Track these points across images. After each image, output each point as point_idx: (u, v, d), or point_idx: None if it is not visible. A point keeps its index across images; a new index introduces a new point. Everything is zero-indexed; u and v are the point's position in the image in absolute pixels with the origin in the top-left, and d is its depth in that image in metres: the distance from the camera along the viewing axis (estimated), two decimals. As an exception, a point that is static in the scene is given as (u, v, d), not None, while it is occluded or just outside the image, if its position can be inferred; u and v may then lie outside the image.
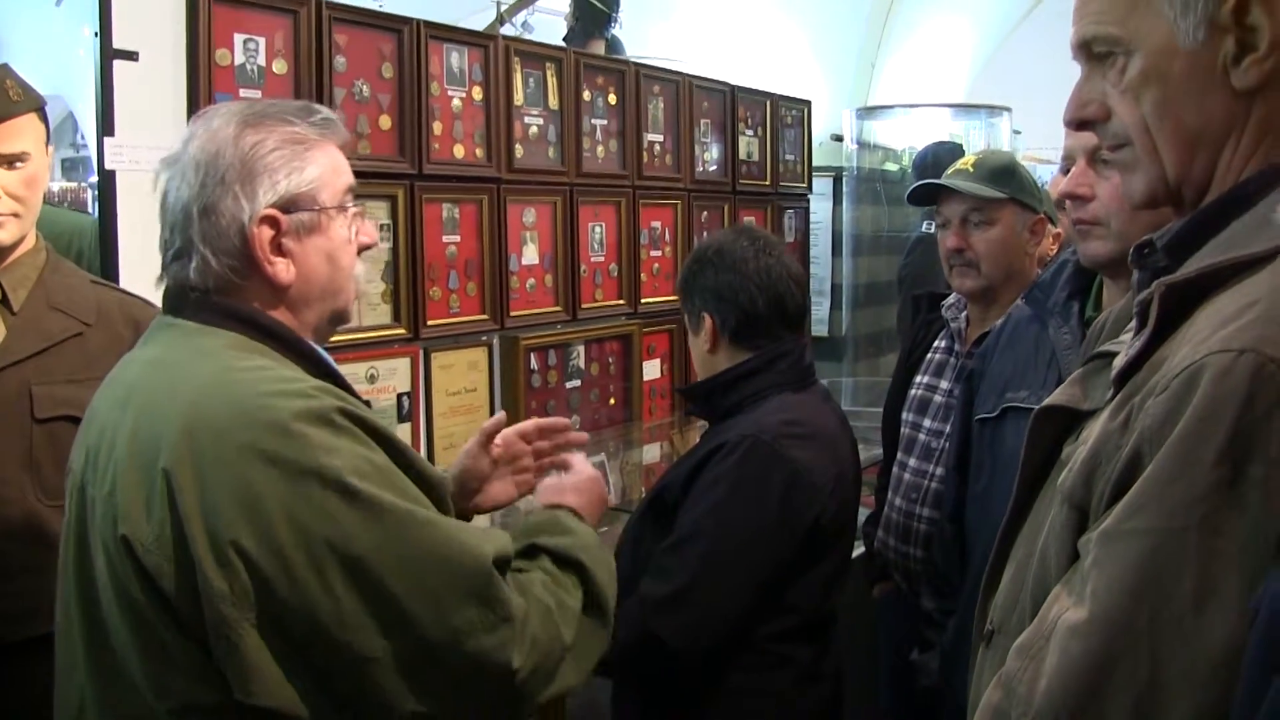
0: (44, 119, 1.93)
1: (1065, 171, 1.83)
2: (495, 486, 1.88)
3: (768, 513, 1.97)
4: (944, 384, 2.55)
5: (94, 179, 2.47)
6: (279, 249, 1.40)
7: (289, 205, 1.40)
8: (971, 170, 2.50)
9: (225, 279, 1.39)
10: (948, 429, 2.42)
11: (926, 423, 2.56)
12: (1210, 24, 0.97)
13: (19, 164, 1.86)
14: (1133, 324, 1.05)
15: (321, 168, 1.43)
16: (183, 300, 1.42)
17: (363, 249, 1.52)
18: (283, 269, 1.40)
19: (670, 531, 2.04)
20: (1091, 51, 1.06)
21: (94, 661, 1.34)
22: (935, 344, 2.65)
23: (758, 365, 2.12)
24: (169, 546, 1.25)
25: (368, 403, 1.48)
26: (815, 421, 2.10)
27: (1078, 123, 1.12)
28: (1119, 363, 1.02)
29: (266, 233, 1.38)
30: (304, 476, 1.24)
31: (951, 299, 2.62)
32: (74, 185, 2.73)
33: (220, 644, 1.23)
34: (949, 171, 2.59)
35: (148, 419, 1.30)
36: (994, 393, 1.98)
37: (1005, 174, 2.48)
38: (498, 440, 1.87)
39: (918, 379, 2.64)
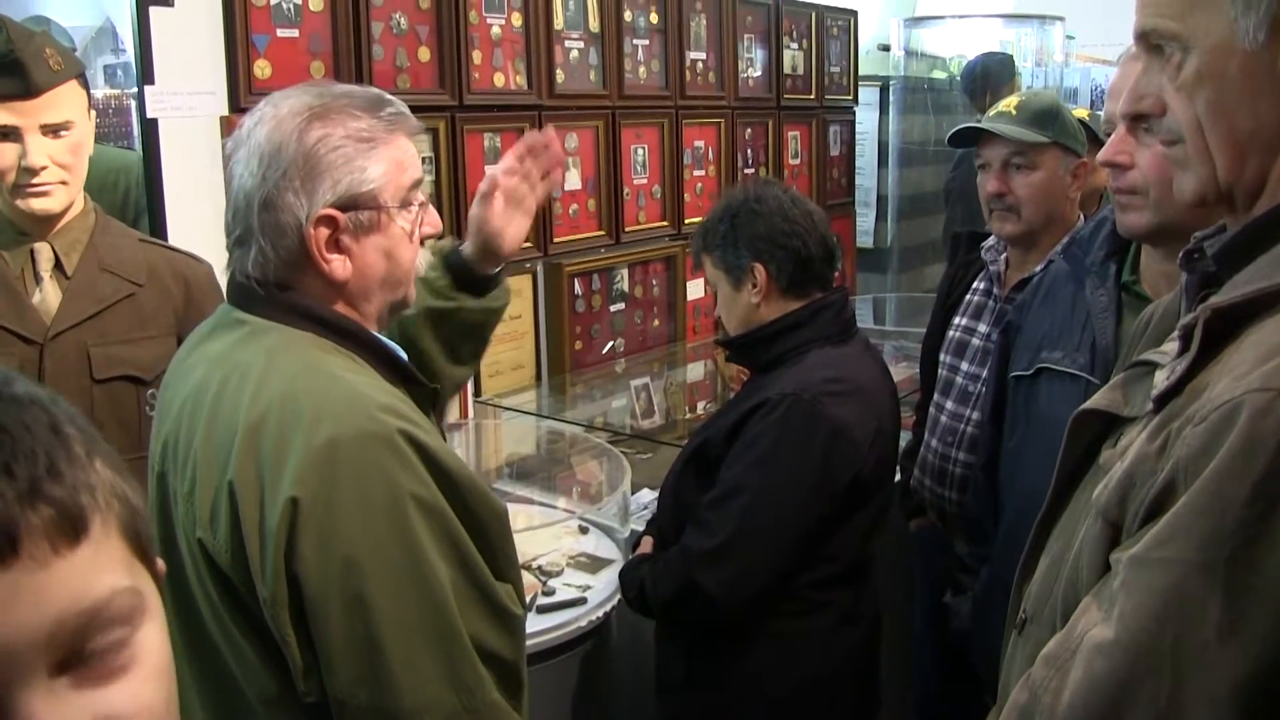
0: (85, 85, 1.95)
1: (1108, 134, 1.80)
2: (512, 228, 1.84)
3: (808, 471, 2.01)
4: (982, 327, 2.54)
5: (134, 90, 2.51)
6: (336, 246, 1.40)
7: (348, 204, 1.39)
8: (1014, 113, 2.45)
9: (282, 272, 1.40)
10: (984, 373, 2.42)
11: (964, 366, 2.55)
12: (1272, 25, 0.93)
13: (64, 132, 1.88)
14: (1176, 339, 1.05)
15: (386, 165, 1.41)
16: (251, 295, 1.42)
17: (426, 239, 1.51)
18: (339, 266, 1.41)
19: (712, 485, 2.08)
20: (1150, 43, 1.03)
21: (189, 647, 1.37)
22: (974, 285, 2.63)
23: (800, 318, 2.13)
24: (234, 554, 1.29)
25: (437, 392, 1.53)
26: (856, 377, 2.11)
27: (1133, 116, 1.10)
28: (1159, 382, 1.02)
29: (324, 232, 1.39)
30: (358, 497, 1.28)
31: (991, 241, 2.59)
32: (117, 92, 2.73)
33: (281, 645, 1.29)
34: (990, 113, 2.54)
35: (221, 425, 1.33)
36: (1029, 350, 1.97)
37: (1048, 117, 2.44)
38: (496, 193, 1.83)
39: (956, 320, 2.62)
